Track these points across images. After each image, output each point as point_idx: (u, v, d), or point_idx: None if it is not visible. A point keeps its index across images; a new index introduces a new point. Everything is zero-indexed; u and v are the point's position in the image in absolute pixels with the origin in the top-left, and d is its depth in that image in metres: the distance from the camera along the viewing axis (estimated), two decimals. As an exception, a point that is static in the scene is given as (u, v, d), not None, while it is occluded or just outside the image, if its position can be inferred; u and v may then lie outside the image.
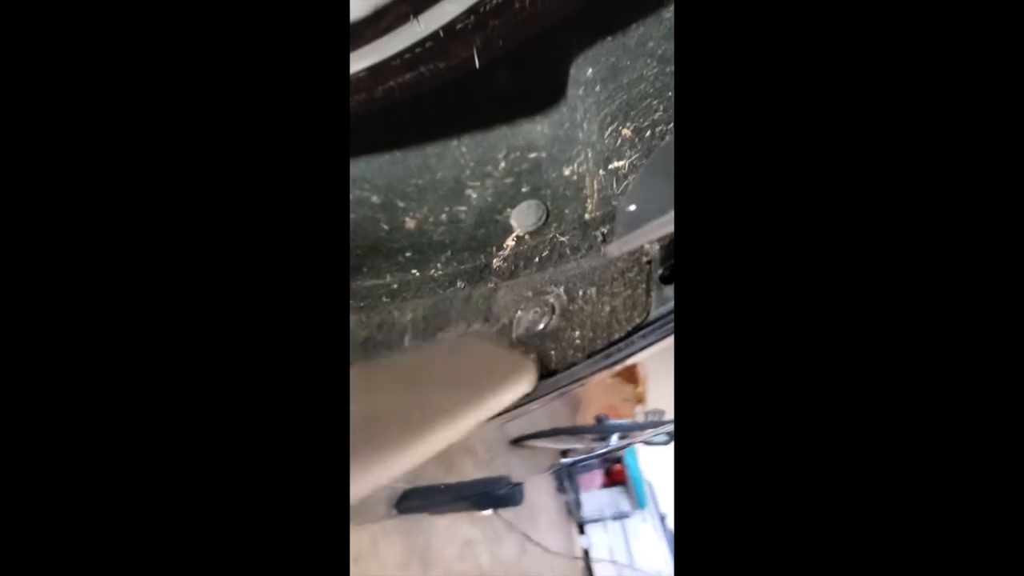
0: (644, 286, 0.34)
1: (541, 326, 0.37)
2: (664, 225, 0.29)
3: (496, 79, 0.49)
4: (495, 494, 0.97)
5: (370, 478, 0.28)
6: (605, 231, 0.39)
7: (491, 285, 0.43)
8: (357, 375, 0.28)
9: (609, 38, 0.45)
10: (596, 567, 1.36)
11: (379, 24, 0.41)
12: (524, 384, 0.36)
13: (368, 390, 0.32)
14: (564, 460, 1.28)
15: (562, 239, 0.42)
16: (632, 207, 0.31)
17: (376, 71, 0.43)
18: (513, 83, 0.50)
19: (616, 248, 0.31)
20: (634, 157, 0.36)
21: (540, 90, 0.51)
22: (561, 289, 0.38)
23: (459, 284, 0.45)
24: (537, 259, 0.43)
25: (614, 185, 0.37)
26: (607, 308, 0.35)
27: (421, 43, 0.41)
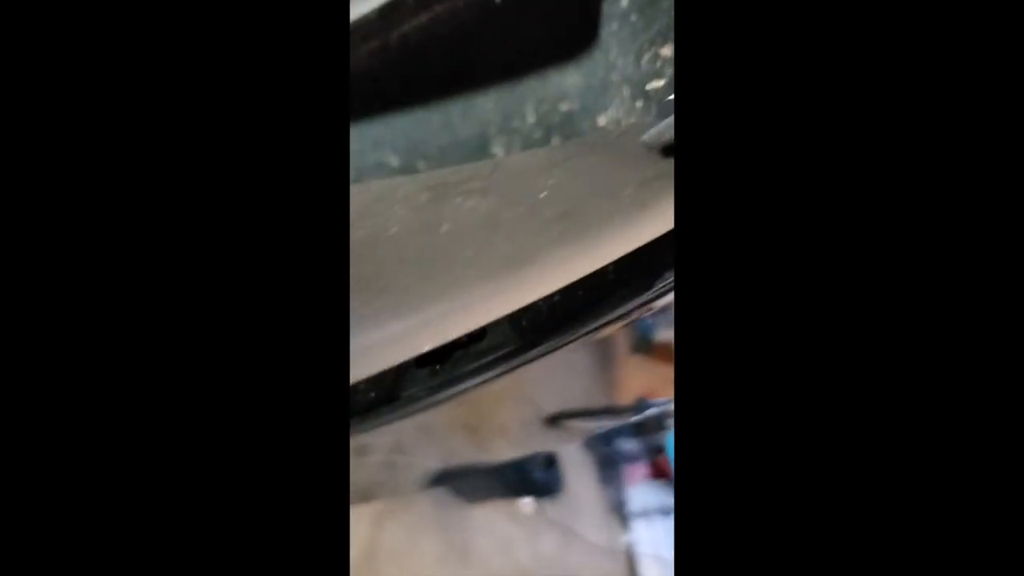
0: None
1: None
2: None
3: (520, 21, 0.45)
4: (532, 478, 0.93)
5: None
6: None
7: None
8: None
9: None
10: (640, 563, 1.31)
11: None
12: None
13: None
14: (599, 430, 1.21)
15: None
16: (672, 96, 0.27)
17: (387, 13, 0.40)
18: (539, 26, 0.46)
19: (655, 136, 0.27)
20: (669, 76, 0.32)
21: (569, 35, 0.47)
22: None
23: None
24: None
25: (653, 109, 0.33)
26: None
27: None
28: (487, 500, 0.91)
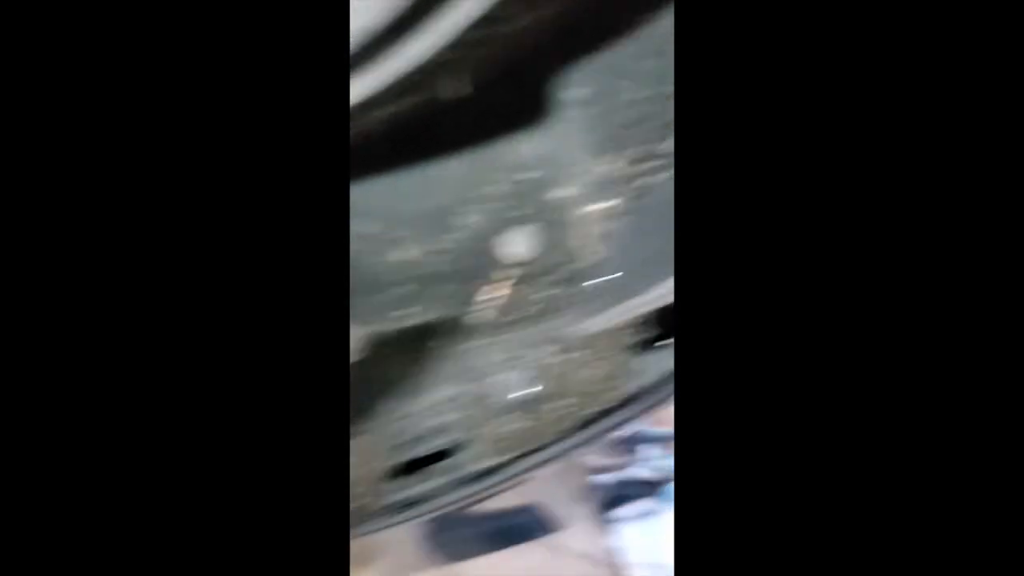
0: (638, 349, 0.33)
1: (530, 390, 0.36)
2: (655, 300, 0.28)
3: (487, 102, 0.48)
4: (527, 526, 0.98)
5: None
6: (595, 283, 0.38)
7: (478, 342, 0.42)
8: None
9: (593, 56, 0.44)
10: (629, 571, 1.34)
11: (361, 62, 0.41)
12: None
13: None
14: (599, 479, 1.25)
15: (554, 291, 0.40)
16: (619, 274, 0.30)
17: (362, 107, 0.43)
18: (505, 104, 0.49)
19: (600, 323, 0.30)
20: (628, 195, 0.35)
21: (531, 109, 0.50)
22: (550, 349, 0.37)
23: (442, 339, 0.45)
24: (525, 314, 0.42)
25: (606, 223, 0.36)
26: (600, 373, 0.33)
27: (406, 79, 0.41)
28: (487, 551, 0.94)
